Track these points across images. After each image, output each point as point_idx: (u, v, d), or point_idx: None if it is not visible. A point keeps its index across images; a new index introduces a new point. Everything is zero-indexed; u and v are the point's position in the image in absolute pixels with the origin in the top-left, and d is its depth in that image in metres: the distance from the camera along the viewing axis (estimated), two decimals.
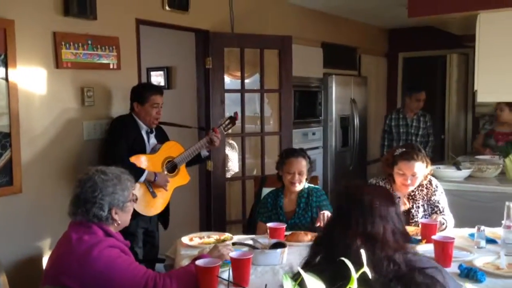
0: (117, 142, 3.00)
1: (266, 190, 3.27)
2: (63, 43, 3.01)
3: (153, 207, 3.09)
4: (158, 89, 3.24)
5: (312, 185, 3.00)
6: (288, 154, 2.93)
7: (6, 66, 2.74)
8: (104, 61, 3.26)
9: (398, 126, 5.20)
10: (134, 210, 2.79)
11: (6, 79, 2.75)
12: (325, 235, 1.55)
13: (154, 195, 3.05)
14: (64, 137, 3.06)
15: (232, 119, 3.44)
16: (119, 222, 1.91)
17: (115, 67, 3.32)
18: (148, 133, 3.17)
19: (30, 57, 2.87)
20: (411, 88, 5.35)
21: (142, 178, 2.95)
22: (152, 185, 3.04)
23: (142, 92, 3.13)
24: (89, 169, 1.93)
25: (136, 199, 2.02)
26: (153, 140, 3.19)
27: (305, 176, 2.86)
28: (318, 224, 2.62)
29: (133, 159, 2.96)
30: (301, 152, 2.93)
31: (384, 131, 5.33)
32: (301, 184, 2.86)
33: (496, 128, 4.78)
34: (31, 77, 2.88)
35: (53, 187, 3.01)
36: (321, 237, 1.58)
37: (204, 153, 3.35)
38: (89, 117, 3.20)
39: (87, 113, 3.19)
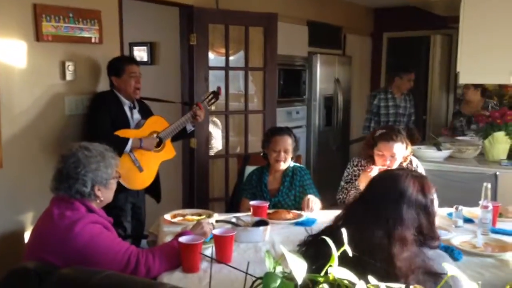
0: (100, 117, 2.97)
1: (249, 168, 3.29)
2: (43, 16, 2.93)
3: (140, 181, 3.08)
4: (132, 59, 3.26)
5: (297, 164, 3.02)
6: (273, 132, 2.94)
7: None
8: (86, 34, 3.19)
9: (387, 107, 4.97)
10: (121, 185, 2.80)
11: None
12: (347, 217, 1.54)
13: (140, 169, 3.04)
14: (45, 112, 3.01)
15: (216, 94, 3.43)
16: (102, 198, 1.90)
17: (97, 41, 3.26)
18: (131, 109, 3.14)
19: (10, 29, 2.79)
20: (403, 68, 5.16)
21: (128, 147, 2.92)
22: (138, 159, 3.02)
23: (117, 64, 3.12)
24: (73, 145, 1.91)
25: (120, 176, 2.00)
26: (136, 116, 3.16)
27: (290, 155, 2.88)
28: (304, 210, 2.63)
29: (118, 133, 2.94)
30: (287, 130, 2.95)
31: (370, 112, 5.04)
32: (286, 162, 2.88)
33: (462, 108, 4.87)
34: (10, 50, 2.81)
35: (34, 162, 2.97)
36: (342, 218, 1.56)
37: (190, 127, 3.34)
38: (71, 92, 3.15)
39: (69, 88, 3.13)
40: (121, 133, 2.96)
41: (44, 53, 2.98)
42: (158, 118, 3.23)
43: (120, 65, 3.11)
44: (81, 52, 3.17)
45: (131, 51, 4.73)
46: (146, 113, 3.25)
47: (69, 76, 3.11)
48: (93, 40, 3.23)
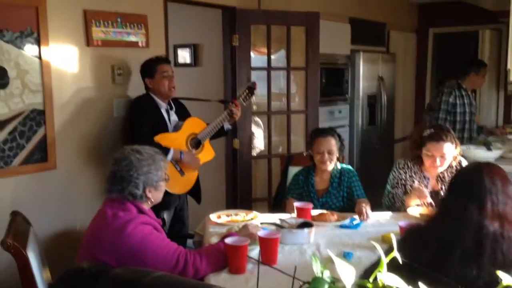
0: (140, 123, 2.98)
1: (292, 169, 3.29)
2: (93, 21, 3.04)
3: (183, 185, 3.10)
4: (164, 59, 3.21)
5: (344, 165, 2.99)
6: (316, 134, 2.92)
7: (39, 44, 2.79)
8: (133, 39, 3.28)
9: (464, 105, 4.50)
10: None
11: (40, 57, 2.80)
12: (451, 213, 1.51)
13: (182, 173, 3.04)
14: (95, 114, 3.12)
15: (251, 89, 3.34)
16: (152, 200, 1.97)
17: (143, 45, 3.34)
18: (168, 111, 3.13)
19: (62, 35, 2.91)
20: (480, 63, 4.82)
21: (169, 157, 2.92)
22: (179, 163, 3.04)
23: (149, 65, 3.11)
24: (125, 148, 1.98)
25: (168, 178, 2.06)
26: (174, 117, 3.16)
27: (335, 155, 2.85)
28: (361, 218, 2.58)
29: (157, 139, 2.93)
30: (330, 131, 2.92)
31: (444, 111, 4.53)
32: (332, 163, 2.86)
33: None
34: (63, 55, 2.93)
35: (85, 163, 3.08)
36: (444, 215, 1.54)
37: (227, 126, 3.31)
38: (119, 95, 3.24)
39: (117, 91, 3.23)
40: (161, 138, 2.93)
41: (94, 57, 3.09)
42: (195, 119, 3.20)
43: (152, 65, 3.10)
44: (128, 56, 3.26)
45: (175, 53, 4.82)
46: (183, 113, 3.24)
47: (117, 80, 3.21)
48: (140, 44, 3.32)
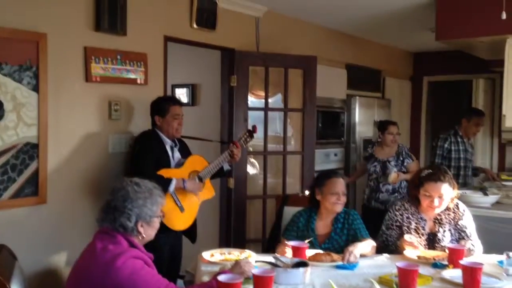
0: (145, 157, 2.99)
1: (288, 209, 3.23)
2: (93, 58, 3.06)
3: (182, 221, 3.07)
4: (176, 100, 3.27)
5: (346, 208, 2.86)
6: (329, 174, 2.84)
7: (37, 78, 2.80)
8: (132, 76, 3.30)
9: (459, 151, 4.58)
10: (163, 225, 2.78)
11: (37, 90, 2.81)
12: None
13: (182, 209, 3.03)
14: (89, 149, 3.10)
15: (251, 132, 3.41)
16: (143, 235, 1.92)
17: (142, 82, 3.37)
18: (172, 148, 3.16)
19: (61, 70, 2.93)
20: (473, 111, 4.89)
21: (172, 187, 2.92)
22: (180, 199, 3.03)
23: (162, 104, 3.15)
24: (124, 179, 1.96)
25: (164, 216, 2.01)
26: (177, 154, 3.19)
27: (345, 197, 2.77)
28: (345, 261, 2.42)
29: (160, 172, 2.95)
30: (340, 173, 2.87)
31: (440, 156, 4.59)
32: (343, 205, 2.76)
33: (376, 152, 4.41)
34: (61, 90, 2.93)
35: (77, 199, 3.03)
36: None
37: (226, 166, 3.34)
38: (115, 131, 3.23)
39: (113, 127, 3.22)
40: (164, 172, 2.97)
41: (92, 93, 3.10)
42: (198, 157, 3.25)
43: (165, 105, 3.13)
44: (126, 93, 3.28)
45: (173, 92, 4.86)
46: (185, 151, 3.28)
47: (114, 116, 3.20)
48: (138, 81, 3.35)
